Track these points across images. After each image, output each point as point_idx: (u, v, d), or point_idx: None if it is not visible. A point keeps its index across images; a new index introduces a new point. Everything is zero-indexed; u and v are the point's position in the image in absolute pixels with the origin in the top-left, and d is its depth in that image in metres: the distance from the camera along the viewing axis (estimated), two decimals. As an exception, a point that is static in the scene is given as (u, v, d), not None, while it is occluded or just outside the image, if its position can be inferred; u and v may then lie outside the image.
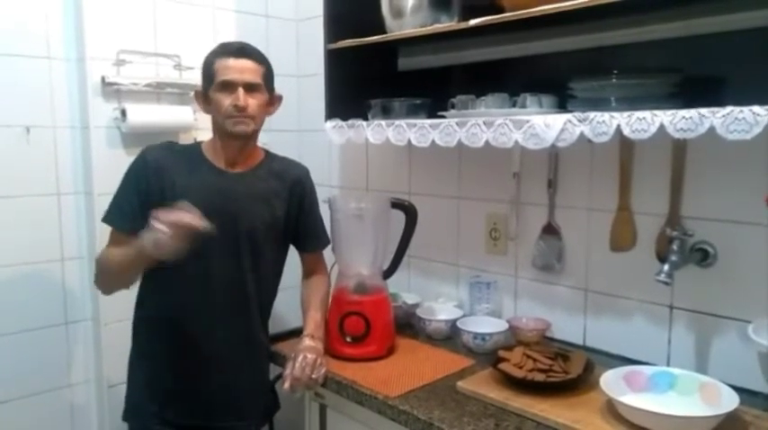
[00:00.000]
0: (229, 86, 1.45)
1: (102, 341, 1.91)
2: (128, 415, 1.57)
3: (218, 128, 1.50)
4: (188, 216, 1.29)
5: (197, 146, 1.57)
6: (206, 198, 1.46)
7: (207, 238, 1.45)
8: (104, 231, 1.52)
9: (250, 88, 1.46)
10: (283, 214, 1.60)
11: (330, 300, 1.67)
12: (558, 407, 1.26)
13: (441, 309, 1.82)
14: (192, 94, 1.56)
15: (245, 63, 1.46)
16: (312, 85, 2.17)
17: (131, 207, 1.46)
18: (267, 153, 1.63)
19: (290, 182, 1.61)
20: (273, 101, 1.56)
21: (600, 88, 1.33)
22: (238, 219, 1.50)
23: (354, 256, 1.67)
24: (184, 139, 1.97)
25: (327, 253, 1.73)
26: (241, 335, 1.55)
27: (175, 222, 1.28)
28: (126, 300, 1.56)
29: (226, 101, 1.45)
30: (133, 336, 1.58)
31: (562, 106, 1.45)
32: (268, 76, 1.51)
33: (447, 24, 1.55)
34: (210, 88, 1.47)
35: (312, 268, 1.71)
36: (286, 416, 1.71)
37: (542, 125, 1.31)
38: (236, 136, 1.49)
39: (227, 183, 1.51)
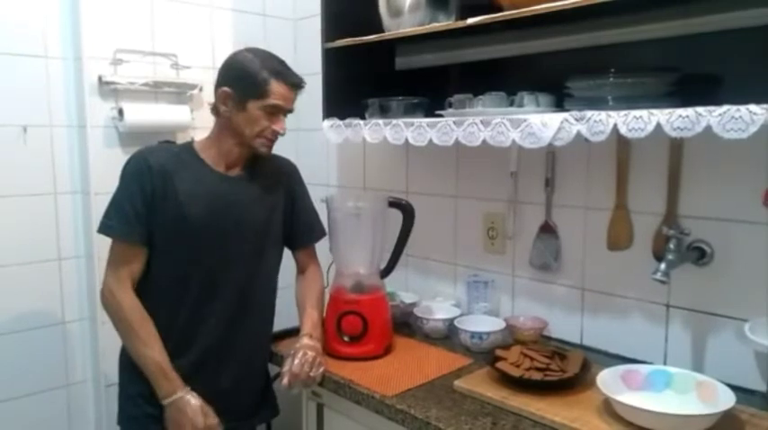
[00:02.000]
0: (276, 112, 1.47)
1: (100, 340, 1.91)
2: (123, 417, 1.55)
3: (237, 136, 1.48)
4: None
5: (189, 146, 1.54)
6: (210, 204, 1.46)
7: (211, 244, 1.46)
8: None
9: (287, 113, 1.52)
10: (280, 214, 1.60)
11: (327, 299, 1.67)
12: (556, 406, 1.26)
13: (438, 308, 1.82)
14: (219, 91, 1.46)
15: (295, 95, 1.51)
16: (309, 84, 2.14)
17: (137, 213, 1.41)
18: None
19: (282, 180, 1.62)
20: None
21: (597, 87, 1.33)
22: (241, 224, 1.50)
23: (352, 255, 1.67)
24: (182, 139, 1.97)
25: (325, 252, 1.73)
26: (243, 337, 1.54)
27: None
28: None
29: (265, 122, 1.46)
30: None
31: (559, 105, 1.45)
32: None
33: (445, 23, 1.55)
34: (253, 101, 1.44)
35: (305, 263, 1.71)
36: (283, 416, 1.71)
37: (539, 124, 1.31)
38: (258, 153, 1.52)
39: (228, 187, 1.50)
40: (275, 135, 1.50)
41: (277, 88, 1.45)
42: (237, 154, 1.52)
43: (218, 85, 1.48)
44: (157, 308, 1.48)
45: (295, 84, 1.49)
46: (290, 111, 1.52)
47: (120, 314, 1.43)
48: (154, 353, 1.42)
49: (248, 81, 1.44)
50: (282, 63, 1.51)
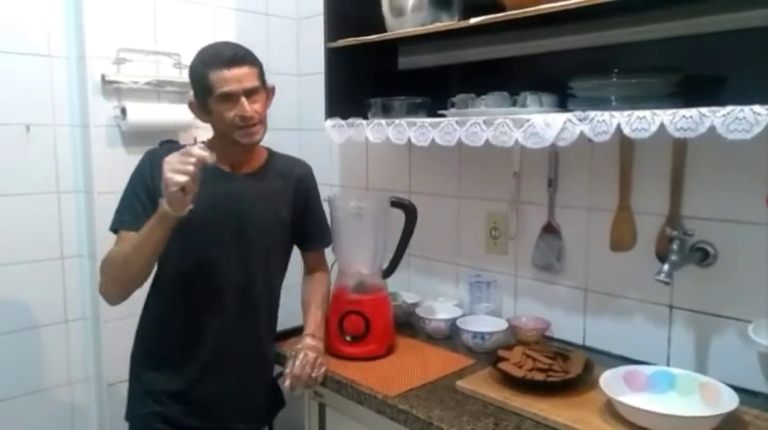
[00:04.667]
0: (231, 97, 1.40)
1: (102, 339, 1.91)
2: (130, 414, 1.55)
3: (222, 136, 1.47)
4: (194, 149, 1.28)
5: (199, 145, 1.55)
6: (214, 202, 1.45)
7: (217, 243, 1.46)
8: (105, 228, 1.49)
9: (250, 93, 1.43)
10: (289, 214, 1.59)
11: (330, 299, 1.67)
12: (558, 407, 1.26)
13: (440, 309, 1.82)
14: (187, 104, 1.50)
15: (242, 70, 1.40)
16: (312, 83, 2.17)
17: (145, 208, 1.41)
18: (270, 151, 1.62)
19: (294, 181, 1.61)
20: (269, 95, 1.52)
21: (600, 87, 1.33)
22: (248, 222, 1.49)
23: (354, 255, 1.66)
24: (184, 138, 1.97)
25: (328, 252, 1.73)
26: (250, 337, 1.54)
27: (187, 154, 1.26)
28: (126, 297, 1.56)
29: (230, 113, 1.41)
30: (139, 337, 1.56)
31: (562, 105, 1.44)
32: (261, 74, 1.48)
33: (447, 23, 1.54)
34: (209, 100, 1.42)
35: (314, 266, 1.71)
36: (286, 415, 1.71)
37: (542, 124, 1.31)
38: (245, 145, 1.47)
39: (234, 185, 1.50)
40: (245, 120, 1.41)
41: (215, 76, 1.39)
42: (238, 152, 1.51)
43: None
44: (163, 308, 1.49)
45: (228, 61, 1.38)
46: (250, 89, 1.41)
47: (116, 257, 1.38)
48: (135, 236, 1.36)
49: (196, 84, 1.44)
50: (215, 48, 1.43)
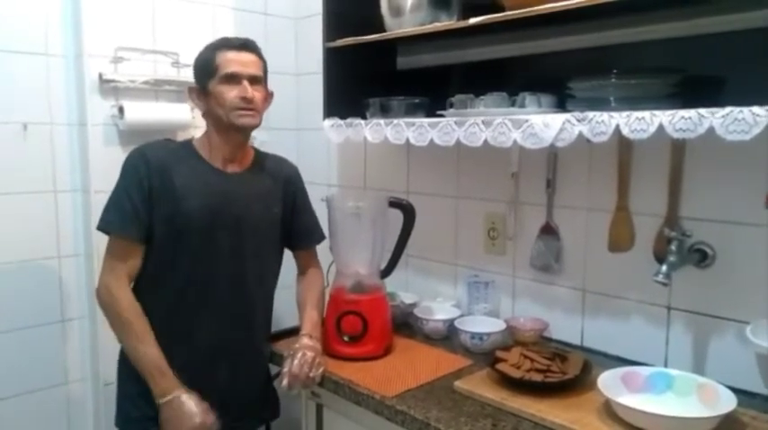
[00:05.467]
0: (234, 79, 1.44)
1: (99, 339, 1.90)
2: (121, 419, 1.54)
3: (218, 123, 1.48)
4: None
5: (189, 143, 1.55)
6: (208, 200, 1.45)
7: (212, 242, 1.46)
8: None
9: (253, 81, 1.46)
10: (280, 213, 1.60)
11: (327, 299, 1.66)
12: (556, 408, 1.26)
13: (438, 309, 1.82)
14: (186, 90, 1.53)
15: (249, 56, 1.47)
16: (311, 83, 2.17)
17: (135, 209, 1.41)
18: (256, 151, 1.62)
19: (282, 180, 1.62)
20: (267, 96, 1.55)
21: (599, 88, 1.33)
22: (242, 221, 1.49)
23: (352, 255, 1.66)
24: (182, 137, 1.96)
25: (325, 251, 1.73)
26: (243, 335, 1.54)
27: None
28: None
29: (231, 93, 1.43)
30: None
31: (561, 106, 1.44)
32: (266, 70, 1.53)
33: (446, 23, 1.54)
34: (211, 82, 1.44)
35: (306, 264, 1.71)
36: (283, 416, 1.71)
37: (541, 125, 1.31)
38: (241, 129, 1.48)
39: (227, 183, 1.50)
40: (246, 101, 1.44)
41: (222, 58, 1.44)
42: (232, 144, 1.51)
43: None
44: (155, 304, 1.48)
45: (237, 45, 1.46)
46: (253, 76, 1.46)
47: (116, 310, 1.42)
48: (151, 349, 1.41)
49: (200, 68, 1.49)
50: (226, 37, 1.51)
